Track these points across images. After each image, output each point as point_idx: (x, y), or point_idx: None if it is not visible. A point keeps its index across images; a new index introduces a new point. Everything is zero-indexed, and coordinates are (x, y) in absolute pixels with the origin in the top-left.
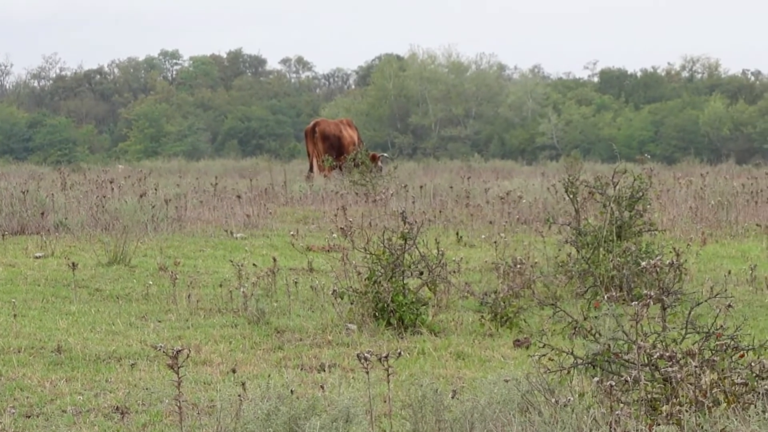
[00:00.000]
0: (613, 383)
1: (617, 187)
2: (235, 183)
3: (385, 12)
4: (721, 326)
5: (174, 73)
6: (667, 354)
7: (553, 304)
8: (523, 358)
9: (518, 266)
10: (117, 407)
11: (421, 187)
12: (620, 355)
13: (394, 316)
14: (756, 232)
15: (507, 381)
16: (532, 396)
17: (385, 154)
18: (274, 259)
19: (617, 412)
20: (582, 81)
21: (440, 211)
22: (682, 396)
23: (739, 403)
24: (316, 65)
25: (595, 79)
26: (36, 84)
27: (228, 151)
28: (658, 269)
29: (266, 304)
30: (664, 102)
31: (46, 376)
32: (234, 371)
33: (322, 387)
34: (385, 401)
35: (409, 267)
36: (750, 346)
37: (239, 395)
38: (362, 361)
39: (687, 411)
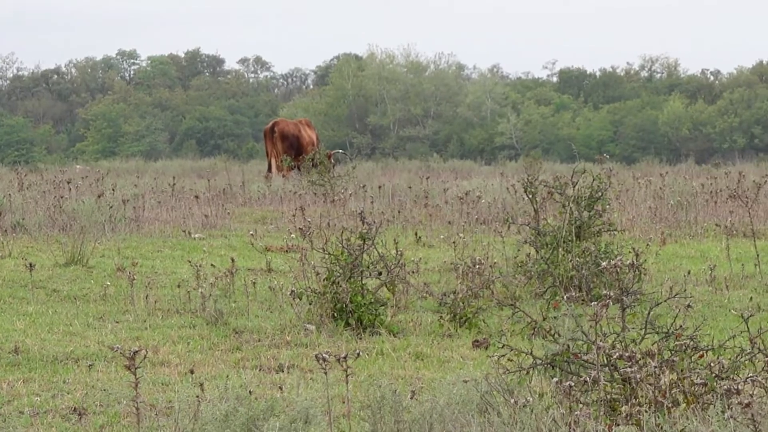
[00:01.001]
0: (573, 384)
1: (576, 187)
2: (193, 183)
3: (343, 12)
4: (681, 326)
5: (132, 73)
6: (627, 354)
7: (512, 305)
8: (482, 359)
9: (477, 266)
10: (74, 408)
11: (379, 187)
12: (579, 355)
13: (352, 316)
14: (715, 232)
15: (466, 381)
16: (491, 396)
17: (340, 150)
18: (233, 260)
19: (576, 413)
20: (541, 81)
21: (399, 212)
22: (642, 396)
23: (698, 403)
24: (274, 65)
25: (554, 79)
26: None
27: (186, 152)
28: (617, 269)
29: (224, 305)
30: (623, 102)
31: (3, 377)
32: (192, 372)
33: (280, 388)
34: (343, 402)
35: (368, 267)
36: (709, 347)
37: (197, 396)
38: (321, 361)
39: (646, 411)
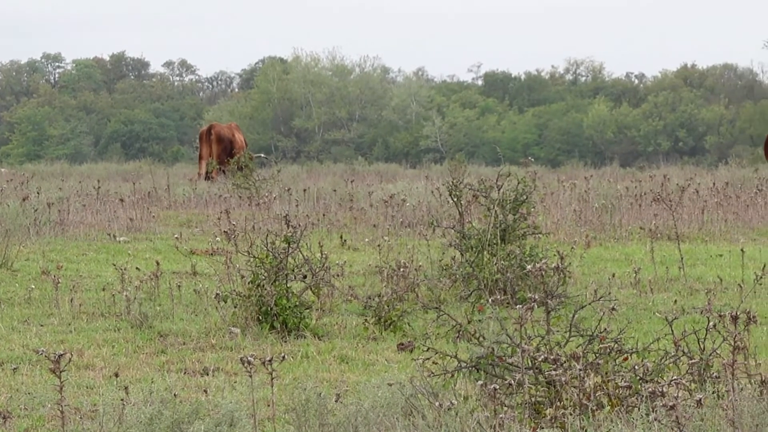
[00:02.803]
0: (497, 387)
1: (501, 190)
2: (118, 186)
3: (268, 15)
4: (605, 329)
5: (57, 76)
6: (551, 357)
7: (437, 308)
8: (407, 362)
9: (402, 270)
10: None
11: (304, 190)
12: (504, 358)
13: (277, 319)
14: (640, 235)
15: (390, 385)
16: (416, 400)
17: (261, 154)
18: (158, 263)
19: (501, 416)
20: (466, 84)
21: (324, 215)
22: (566, 399)
23: (622, 406)
24: (199, 68)
25: (479, 82)
26: None
27: (111, 155)
28: (542, 272)
29: (149, 308)
30: (548, 105)
31: None
32: (117, 375)
33: (205, 391)
34: (268, 405)
35: (293, 270)
36: (633, 349)
37: (122, 399)
38: (246, 364)
39: (571, 414)
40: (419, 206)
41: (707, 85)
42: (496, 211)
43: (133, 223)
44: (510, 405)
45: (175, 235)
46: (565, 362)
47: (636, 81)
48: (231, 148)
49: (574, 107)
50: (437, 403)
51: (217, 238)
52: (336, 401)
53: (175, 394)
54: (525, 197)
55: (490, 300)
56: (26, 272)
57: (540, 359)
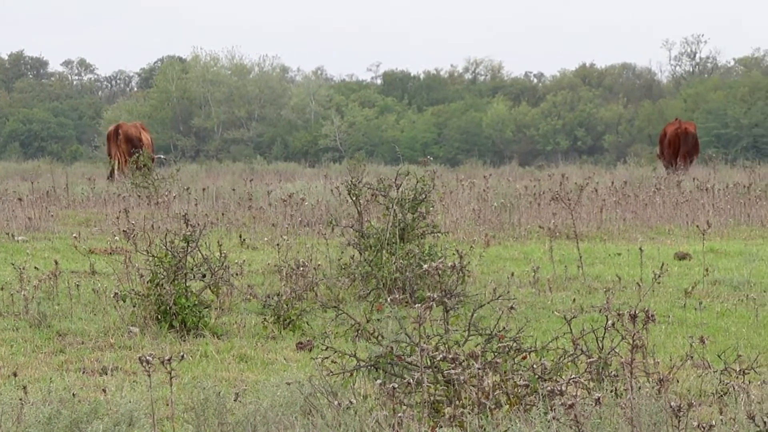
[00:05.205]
0: (396, 385)
1: (400, 189)
2: (16, 186)
3: (167, 14)
4: (504, 328)
5: None
6: (450, 356)
7: (335, 307)
8: (306, 361)
9: (301, 269)
10: None
11: (203, 189)
12: (403, 357)
13: (176, 318)
14: (539, 234)
15: (289, 384)
16: (315, 399)
17: (161, 155)
18: (56, 262)
19: (400, 415)
20: (365, 83)
21: (223, 214)
22: (465, 398)
23: (521, 404)
24: (98, 67)
25: (379, 82)
26: None
27: (9, 154)
28: (440, 271)
29: (48, 308)
30: (448, 104)
31: None
32: (15, 375)
33: (104, 390)
34: (167, 404)
35: (192, 270)
36: (532, 348)
37: (20, 399)
38: (144, 364)
39: (470, 413)
40: (318, 205)
41: (606, 85)
42: (395, 210)
43: (32, 223)
44: (409, 404)
45: (74, 235)
46: (463, 361)
47: (535, 80)
48: (139, 147)
49: (473, 106)
50: (336, 402)
51: (116, 238)
52: (235, 400)
53: (73, 394)
54: (424, 196)
55: (388, 299)
56: None
57: (439, 358)
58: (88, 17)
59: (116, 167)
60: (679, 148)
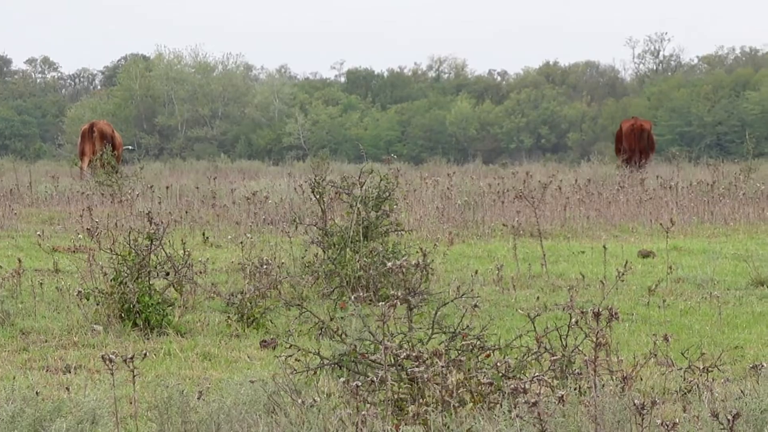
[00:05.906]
0: (360, 384)
1: (364, 187)
2: None
3: (130, 13)
4: (468, 326)
5: None
6: (414, 354)
7: (299, 305)
8: (270, 359)
9: (264, 267)
10: None
11: (167, 187)
12: (367, 355)
13: (140, 317)
14: (502, 232)
15: (253, 382)
16: (279, 397)
17: (131, 147)
18: (20, 260)
19: (363, 413)
20: (329, 81)
21: (186, 212)
22: (429, 396)
23: (485, 402)
24: (62, 65)
25: (342, 80)
26: None
27: None
28: (404, 269)
29: (11, 306)
30: (411, 102)
31: None
32: None
33: (67, 389)
34: (131, 403)
35: (155, 268)
36: (496, 346)
37: None
38: (107, 362)
39: (433, 411)
40: (282, 203)
41: (569, 83)
42: (358, 209)
43: None
44: (372, 402)
45: (38, 233)
46: (427, 359)
47: (498, 78)
48: (113, 145)
49: (436, 104)
50: (300, 400)
51: (80, 236)
52: (198, 398)
53: (37, 392)
54: (387, 194)
55: (352, 297)
56: None
57: (402, 356)
58: (52, 15)
59: (86, 165)
60: (634, 145)
